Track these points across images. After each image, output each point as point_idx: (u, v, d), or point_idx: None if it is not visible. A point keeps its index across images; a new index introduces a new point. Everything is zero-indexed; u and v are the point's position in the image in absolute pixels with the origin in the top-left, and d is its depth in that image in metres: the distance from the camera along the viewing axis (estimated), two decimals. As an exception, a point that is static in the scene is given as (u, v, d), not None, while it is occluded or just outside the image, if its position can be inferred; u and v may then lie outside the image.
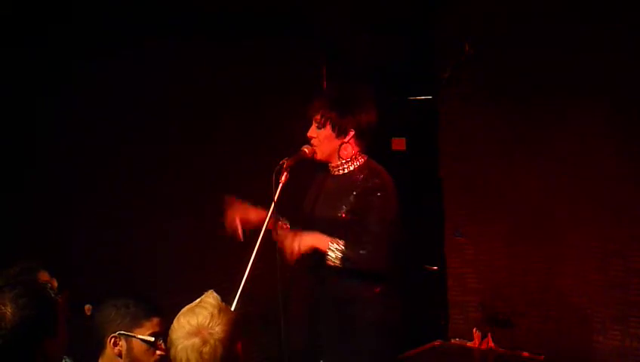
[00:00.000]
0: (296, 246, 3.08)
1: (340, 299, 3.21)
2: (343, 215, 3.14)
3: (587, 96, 4.78)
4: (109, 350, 2.37)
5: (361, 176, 3.17)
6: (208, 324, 2.02)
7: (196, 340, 2.01)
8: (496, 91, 5.16)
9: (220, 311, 2.05)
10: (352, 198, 3.14)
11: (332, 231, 3.14)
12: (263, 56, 4.69)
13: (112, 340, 2.36)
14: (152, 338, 2.38)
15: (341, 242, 3.09)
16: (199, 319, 2.03)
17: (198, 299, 2.11)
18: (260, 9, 4.55)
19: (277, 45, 4.71)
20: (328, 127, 3.15)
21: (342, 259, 3.08)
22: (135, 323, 2.40)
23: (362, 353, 3.18)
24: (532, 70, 4.97)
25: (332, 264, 3.10)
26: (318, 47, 5.01)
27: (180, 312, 2.10)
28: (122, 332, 2.36)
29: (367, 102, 3.21)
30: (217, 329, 2.02)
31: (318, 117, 3.17)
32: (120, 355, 2.37)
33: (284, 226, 3.31)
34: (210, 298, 2.10)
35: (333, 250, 3.08)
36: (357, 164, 3.21)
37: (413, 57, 5.34)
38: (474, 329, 5.32)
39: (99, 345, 2.39)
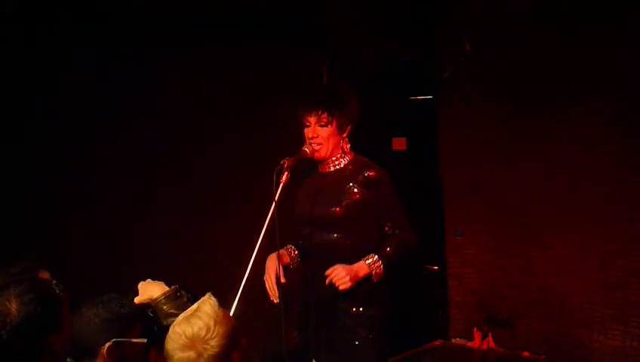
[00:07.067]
0: (347, 281, 3.08)
1: (328, 297, 3.19)
2: (338, 210, 3.15)
3: (587, 96, 4.78)
4: (103, 358, 2.34)
5: (352, 168, 3.21)
6: (204, 337, 2.00)
7: (191, 354, 2.00)
8: (496, 91, 5.17)
9: (215, 322, 2.02)
10: (354, 188, 3.16)
11: (328, 229, 3.17)
12: (263, 56, 4.69)
13: (108, 350, 2.32)
14: (145, 340, 2.35)
15: (372, 255, 3.12)
16: (194, 330, 2.01)
17: (195, 305, 2.09)
18: (261, 9, 4.55)
19: (277, 45, 4.71)
20: (334, 125, 3.19)
21: (384, 266, 3.12)
22: (126, 327, 2.37)
23: (352, 349, 3.17)
24: (532, 70, 4.97)
25: (379, 279, 3.13)
26: (318, 47, 5.01)
27: (176, 320, 2.08)
28: (117, 339, 2.33)
29: (355, 98, 3.28)
30: (212, 344, 2.00)
31: (325, 116, 3.18)
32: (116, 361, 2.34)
33: (293, 253, 3.31)
34: (207, 305, 2.07)
35: (370, 265, 3.12)
36: (347, 158, 3.25)
37: (413, 57, 5.34)
38: (474, 329, 5.33)
39: (88, 353, 2.35)
